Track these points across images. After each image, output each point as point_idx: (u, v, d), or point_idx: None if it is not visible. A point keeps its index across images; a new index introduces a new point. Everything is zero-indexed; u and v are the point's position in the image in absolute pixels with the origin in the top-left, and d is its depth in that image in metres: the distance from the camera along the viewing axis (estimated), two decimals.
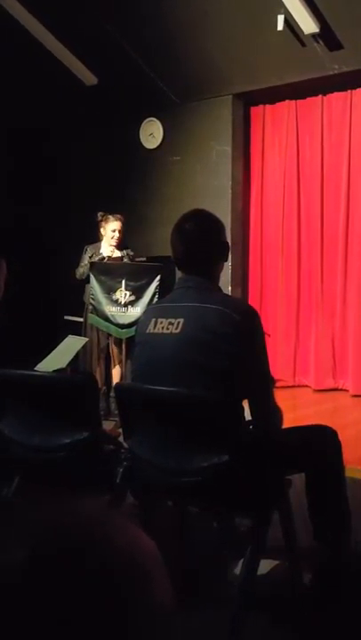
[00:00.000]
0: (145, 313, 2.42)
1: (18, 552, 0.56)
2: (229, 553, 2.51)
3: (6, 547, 0.57)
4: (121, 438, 2.43)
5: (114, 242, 5.18)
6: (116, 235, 5.18)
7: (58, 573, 0.55)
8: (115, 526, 0.60)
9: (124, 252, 5.28)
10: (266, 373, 2.16)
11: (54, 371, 3.14)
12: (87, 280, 5.15)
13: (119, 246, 5.23)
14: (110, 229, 5.18)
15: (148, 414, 2.20)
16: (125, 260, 5.24)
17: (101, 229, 5.24)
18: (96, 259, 5.15)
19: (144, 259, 5.61)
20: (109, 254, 5.17)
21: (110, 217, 5.20)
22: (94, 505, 0.64)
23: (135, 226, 6.37)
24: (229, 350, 2.06)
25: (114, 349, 5.21)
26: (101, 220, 5.22)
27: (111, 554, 0.57)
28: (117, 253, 5.23)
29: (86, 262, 5.16)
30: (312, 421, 3.37)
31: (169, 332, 2.13)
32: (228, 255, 2.29)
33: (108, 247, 5.19)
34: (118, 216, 5.22)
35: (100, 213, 5.25)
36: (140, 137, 6.80)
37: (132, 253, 5.34)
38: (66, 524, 0.59)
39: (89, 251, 5.23)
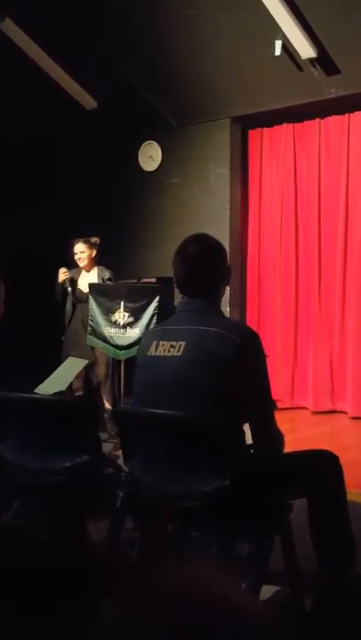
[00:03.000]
0: (146, 335, 2.43)
1: (155, 623, 0.54)
2: (229, 577, 2.49)
3: (143, 617, 0.55)
4: (120, 461, 2.42)
5: (80, 264, 5.27)
6: (78, 256, 5.27)
7: None
8: (242, 598, 0.59)
9: (96, 269, 5.30)
10: (267, 397, 2.16)
11: (54, 393, 3.12)
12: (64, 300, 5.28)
13: (88, 267, 5.29)
14: (73, 253, 5.30)
15: (149, 437, 2.19)
16: (97, 279, 5.27)
17: None
18: (67, 283, 5.25)
19: (135, 281, 5.64)
20: (73, 274, 5.27)
21: (77, 240, 5.31)
22: (215, 572, 0.62)
23: (133, 247, 6.40)
24: (231, 373, 2.06)
25: (101, 369, 5.22)
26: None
27: (243, 627, 0.56)
28: (90, 277, 5.27)
29: (62, 286, 5.24)
30: (311, 444, 3.36)
31: (170, 354, 2.13)
32: (229, 279, 2.30)
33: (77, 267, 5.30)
34: (91, 240, 5.30)
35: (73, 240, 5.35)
36: (139, 159, 6.86)
37: (107, 276, 5.28)
38: (198, 594, 0.57)
39: (69, 274, 5.30)
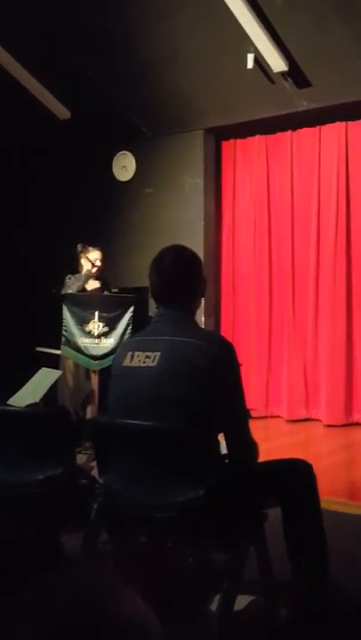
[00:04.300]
0: (121, 346, 2.43)
1: (38, 626, 0.56)
2: (205, 588, 2.49)
3: (26, 620, 0.57)
4: (94, 472, 2.41)
5: (95, 271, 5.21)
6: (98, 264, 5.24)
7: None
8: (125, 599, 0.61)
9: (101, 282, 5.33)
10: (242, 406, 2.17)
11: (27, 405, 3.10)
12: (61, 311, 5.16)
13: (99, 277, 5.27)
14: (93, 258, 5.25)
15: (124, 448, 2.18)
16: (104, 292, 5.28)
17: (82, 260, 5.27)
18: (77, 283, 5.15)
19: (116, 290, 5.64)
20: (90, 270, 5.18)
21: (90, 248, 5.26)
22: (100, 574, 0.64)
23: (108, 257, 6.39)
24: (206, 383, 2.07)
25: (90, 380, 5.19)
26: (81, 252, 5.27)
27: (126, 628, 0.59)
28: (96, 284, 5.27)
29: (78, 281, 5.14)
30: (286, 452, 3.38)
31: (145, 365, 2.13)
32: (205, 291, 2.32)
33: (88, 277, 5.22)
34: (98, 247, 5.28)
35: (79, 245, 5.29)
36: (113, 169, 6.87)
37: (111, 287, 5.38)
38: (81, 596, 0.60)
39: (73, 279, 5.25)
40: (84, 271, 5.27)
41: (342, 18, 4.98)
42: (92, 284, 5.29)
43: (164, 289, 2.25)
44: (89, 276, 5.22)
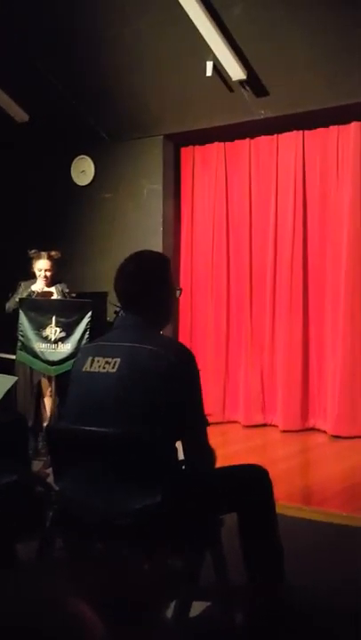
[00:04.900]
0: (81, 351, 2.41)
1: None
2: (161, 594, 2.48)
3: None
4: (50, 479, 2.38)
5: (41, 280, 5.14)
6: (43, 274, 5.13)
7: None
8: (68, 603, 0.65)
9: (58, 286, 5.23)
10: (200, 414, 2.18)
11: None
12: (16, 316, 5.05)
13: (50, 283, 5.18)
14: (37, 268, 5.14)
15: (81, 455, 2.17)
16: (58, 295, 5.19)
17: (33, 267, 5.18)
18: (25, 294, 5.09)
19: (74, 295, 5.58)
20: (39, 290, 5.11)
21: (41, 254, 5.16)
22: (44, 578, 0.68)
23: (67, 262, 6.34)
24: (165, 391, 2.07)
25: (45, 385, 5.11)
26: (32, 258, 5.17)
27: (69, 630, 0.63)
28: (51, 288, 5.19)
29: (17, 298, 5.07)
30: (242, 457, 3.41)
31: (105, 371, 2.12)
32: (171, 296, 2.32)
33: (38, 284, 5.15)
34: (52, 253, 5.17)
35: (32, 251, 5.19)
36: (72, 173, 6.83)
37: (67, 290, 5.28)
38: (23, 598, 0.64)
39: (22, 286, 5.17)
40: (33, 286, 5.13)
41: (300, 29, 5.07)
42: (48, 293, 5.20)
43: (125, 295, 2.25)
44: (40, 291, 5.10)
